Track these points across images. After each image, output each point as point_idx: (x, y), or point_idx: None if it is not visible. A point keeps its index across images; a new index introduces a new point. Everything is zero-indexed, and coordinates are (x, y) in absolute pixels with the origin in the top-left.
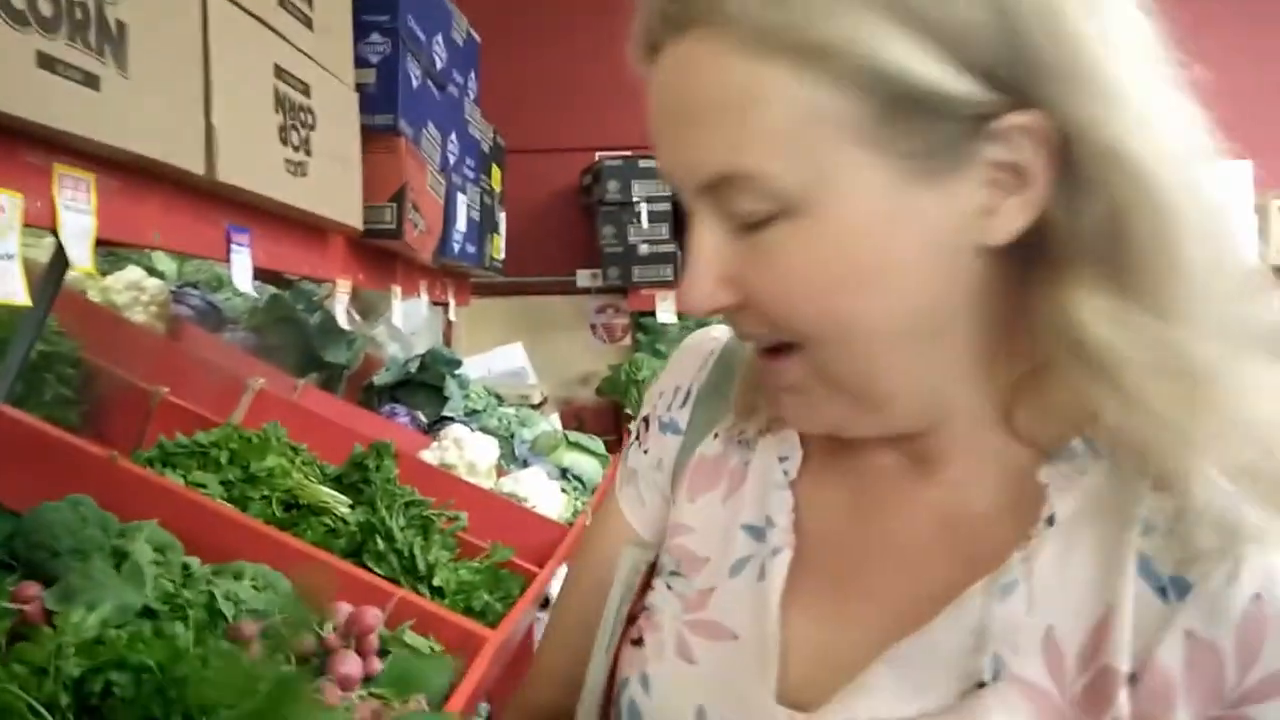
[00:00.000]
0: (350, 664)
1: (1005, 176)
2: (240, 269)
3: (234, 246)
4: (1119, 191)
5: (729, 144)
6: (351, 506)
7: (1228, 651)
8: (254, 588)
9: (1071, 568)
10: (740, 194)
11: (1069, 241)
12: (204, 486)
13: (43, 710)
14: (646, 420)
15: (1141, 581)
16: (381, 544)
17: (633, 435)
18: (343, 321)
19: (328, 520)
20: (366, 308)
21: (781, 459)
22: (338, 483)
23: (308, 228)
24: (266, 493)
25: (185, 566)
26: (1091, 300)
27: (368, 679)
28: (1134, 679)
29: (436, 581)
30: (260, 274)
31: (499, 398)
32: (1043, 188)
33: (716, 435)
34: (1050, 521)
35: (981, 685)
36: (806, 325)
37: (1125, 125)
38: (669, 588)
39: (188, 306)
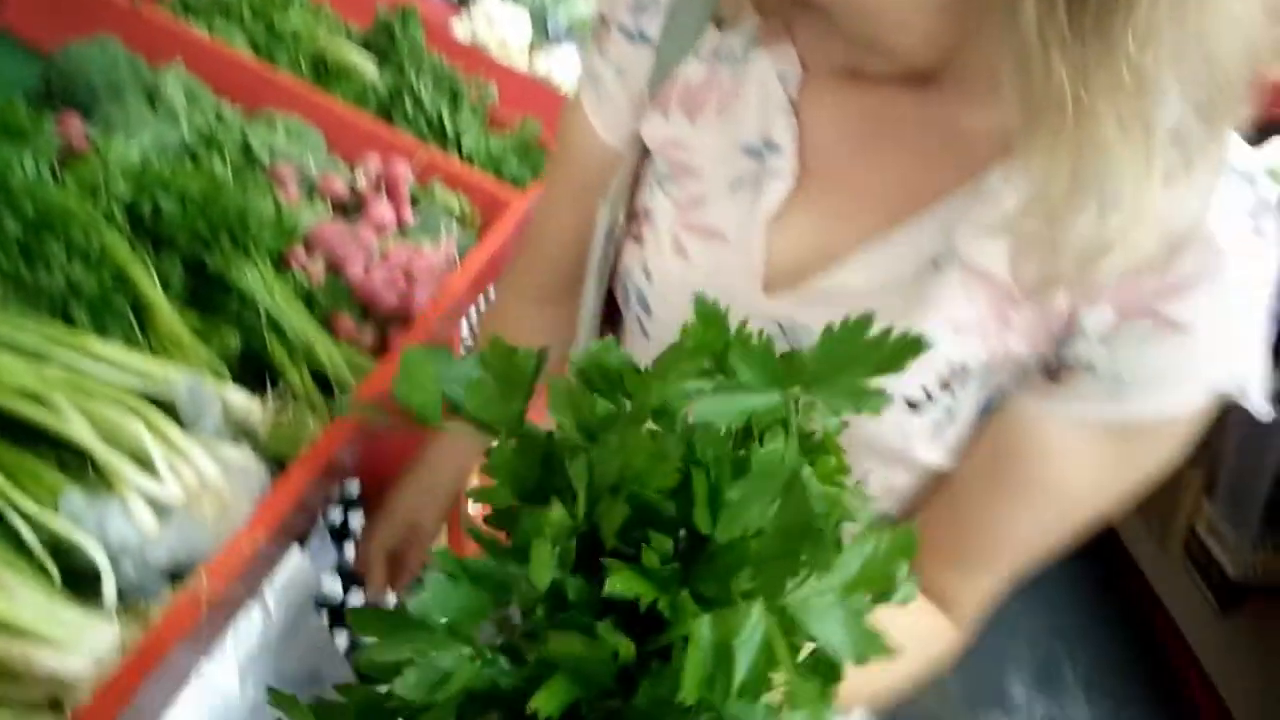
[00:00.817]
0: (384, 209)
1: None
2: None
3: None
4: None
5: None
6: (379, 71)
7: (1156, 270)
8: (286, 136)
9: None
10: None
11: None
12: (228, 39)
13: (101, 220)
14: (604, 19)
15: None
16: (410, 107)
17: (590, 34)
18: None
19: (355, 84)
20: None
21: (780, 76)
22: (364, 47)
23: None
24: (293, 52)
25: (217, 112)
26: None
27: (401, 227)
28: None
29: (465, 146)
30: None
31: None
32: None
33: (698, 55)
34: None
35: (936, 266)
36: None
37: None
38: (663, 191)
39: None
